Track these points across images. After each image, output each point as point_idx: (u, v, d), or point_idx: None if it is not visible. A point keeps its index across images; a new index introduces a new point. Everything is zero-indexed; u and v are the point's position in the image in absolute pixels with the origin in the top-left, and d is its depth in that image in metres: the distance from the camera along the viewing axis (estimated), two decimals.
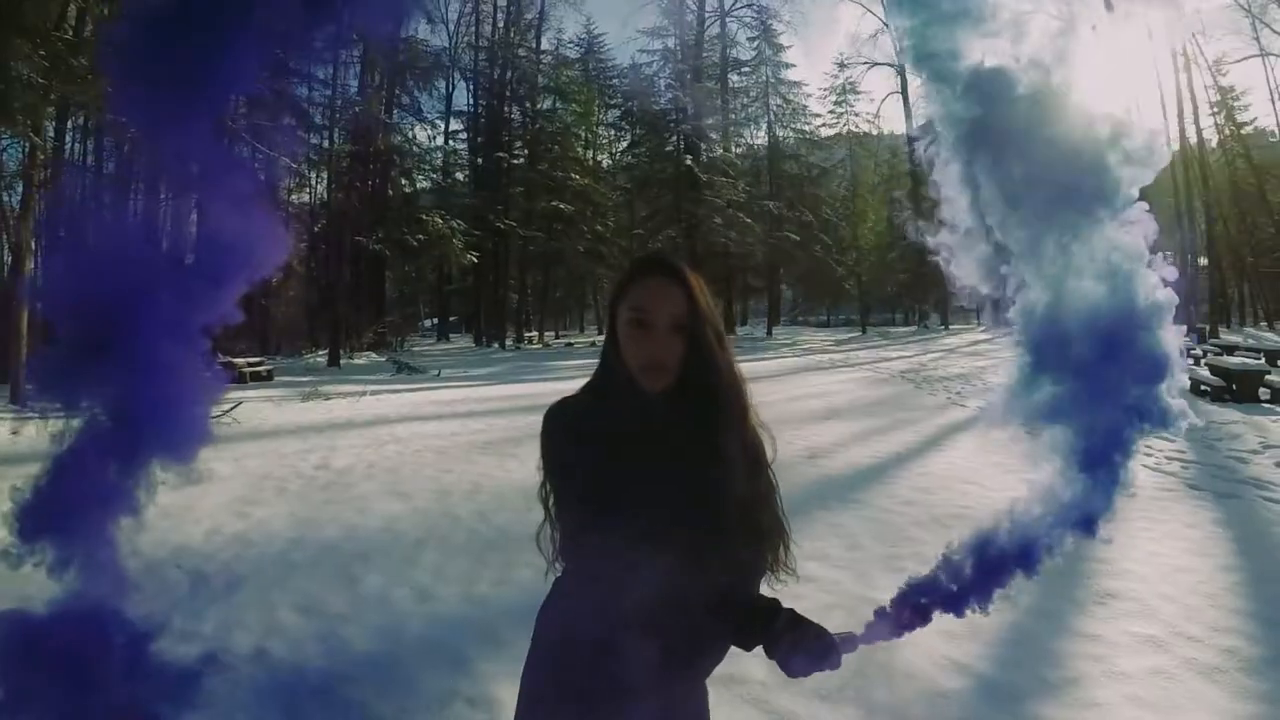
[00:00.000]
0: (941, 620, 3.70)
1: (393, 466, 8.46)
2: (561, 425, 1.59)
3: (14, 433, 10.41)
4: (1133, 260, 1.54)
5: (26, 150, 17.08)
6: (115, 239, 1.32)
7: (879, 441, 9.57)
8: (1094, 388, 1.55)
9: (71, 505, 1.32)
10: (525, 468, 8.21)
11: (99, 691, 1.30)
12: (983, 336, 35.06)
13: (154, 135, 1.40)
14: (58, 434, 1.36)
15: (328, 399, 14.99)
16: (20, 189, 18.82)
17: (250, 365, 20.88)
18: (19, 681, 1.28)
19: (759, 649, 1.51)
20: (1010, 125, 1.53)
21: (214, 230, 1.38)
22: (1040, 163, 1.52)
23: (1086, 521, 1.67)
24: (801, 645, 1.46)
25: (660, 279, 1.54)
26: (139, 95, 1.33)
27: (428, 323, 49.78)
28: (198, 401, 1.44)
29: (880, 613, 1.73)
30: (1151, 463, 7.86)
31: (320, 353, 30.03)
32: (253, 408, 13.51)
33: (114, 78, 1.38)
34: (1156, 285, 1.56)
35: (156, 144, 1.41)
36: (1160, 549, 5.20)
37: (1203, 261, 41.27)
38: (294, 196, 38.01)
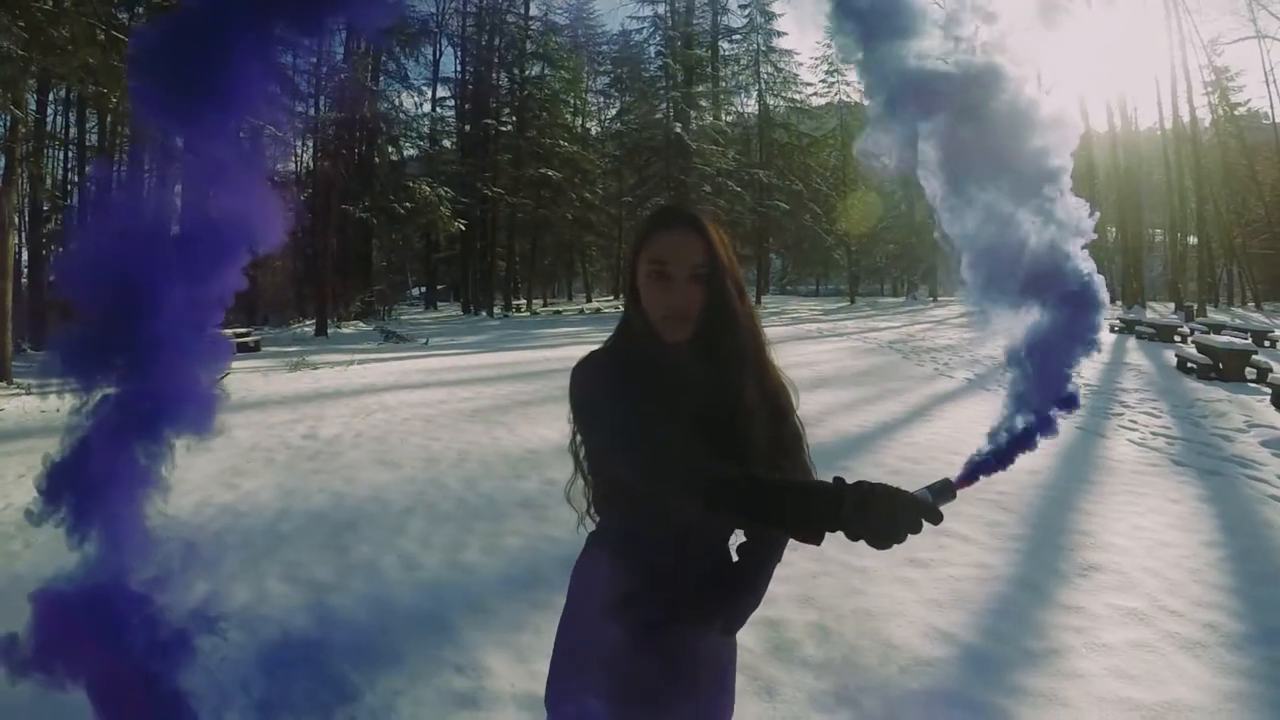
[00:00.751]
0: (927, 590, 3.73)
1: (380, 435, 8.45)
2: (592, 378, 1.56)
3: None
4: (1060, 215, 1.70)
5: (7, 124, 16.88)
6: (132, 216, 1.37)
7: (866, 411, 9.60)
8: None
9: (95, 474, 1.36)
10: (513, 435, 8.23)
11: (126, 655, 1.36)
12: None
13: (172, 130, 1.46)
14: (78, 406, 1.37)
15: (315, 369, 14.94)
16: (2, 163, 18.58)
17: (237, 335, 20.75)
18: (59, 649, 1.34)
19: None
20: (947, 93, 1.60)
21: (221, 207, 1.42)
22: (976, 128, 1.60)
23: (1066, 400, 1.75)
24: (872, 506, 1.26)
25: (679, 230, 1.53)
26: (160, 98, 1.37)
27: (415, 291, 49.56)
28: (209, 372, 1.47)
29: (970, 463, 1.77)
30: (1136, 437, 7.92)
31: (307, 322, 29.90)
32: (240, 378, 13.44)
33: (136, 83, 1.40)
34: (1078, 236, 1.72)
35: (174, 136, 1.46)
36: (1144, 523, 5.24)
37: (1192, 240, 41.46)
38: (279, 165, 37.74)
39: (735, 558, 1.68)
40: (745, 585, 1.65)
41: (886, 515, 1.23)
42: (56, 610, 1.34)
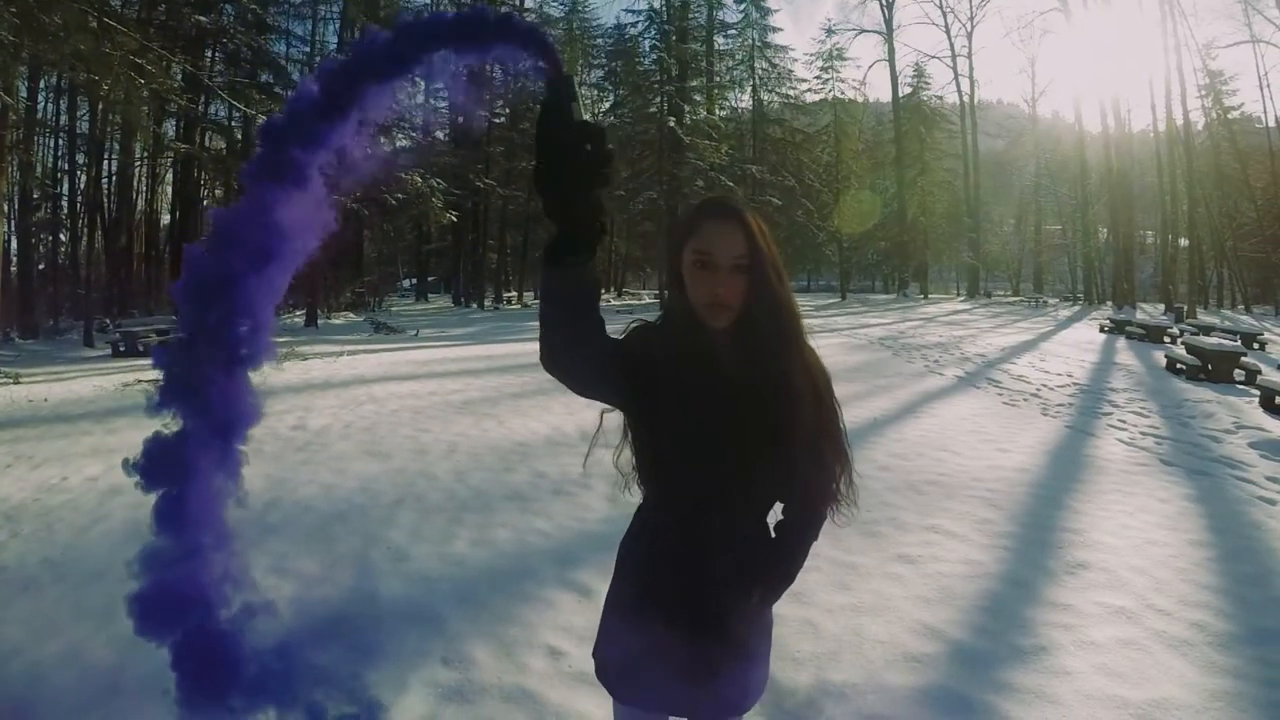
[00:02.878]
0: (916, 586, 3.72)
1: (369, 426, 8.42)
2: (643, 350, 1.67)
3: None
4: None
5: None
6: (236, 226, 1.50)
7: (856, 407, 9.60)
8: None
9: (187, 462, 1.51)
10: (503, 428, 8.21)
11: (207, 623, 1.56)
12: (961, 306, 35.22)
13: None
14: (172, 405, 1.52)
15: (305, 359, 14.87)
16: None
17: None
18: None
19: None
20: None
21: (290, 219, 1.56)
22: None
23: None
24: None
25: (722, 221, 1.61)
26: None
27: (406, 283, 49.42)
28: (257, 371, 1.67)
29: None
30: (1125, 437, 7.95)
31: (297, 313, 29.78)
32: None
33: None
34: None
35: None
36: (1132, 522, 5.26)
37: (1184, 243, 41.59)
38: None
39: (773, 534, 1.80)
40: (780, 558, 1.76)
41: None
42: (161, 582, 1.53)
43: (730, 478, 1.64)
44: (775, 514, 1.81)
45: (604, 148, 1.33)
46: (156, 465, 1.50)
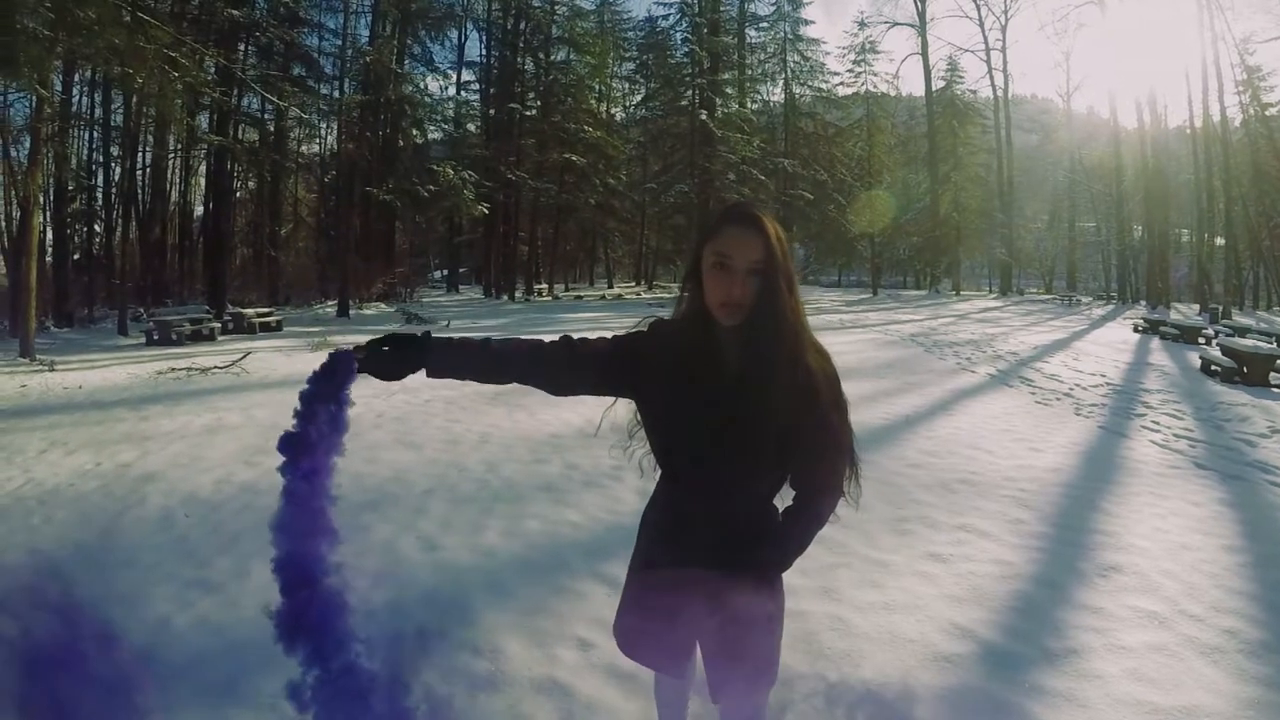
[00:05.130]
0: (947, 585, 3.73)
1: (401, 416, 8.50)
2: (652, 333, 1.97)
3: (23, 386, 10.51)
4: None
5: (33, 104, 17.04)
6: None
7: (887, 404, 9.56)
8: None
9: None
10: (534, 419, 8.26)
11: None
12: (994, 303, 34.91)
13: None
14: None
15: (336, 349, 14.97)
16: (27, 143, 18.77)
17: (260, 315, 20.95)
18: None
19: None
20: None
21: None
22: None
23: None
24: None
25: (744, 228, 1.75)
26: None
27: (437, 274, 49.68)
28: None
29: None
30: (1159, 439, 7.85)
31: (329, 303, 30.04)
32: (262, 357, 13.57)
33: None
34: None
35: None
36: (1164, 525, 5.20)
37: (1219, 242, 40.92)
38: (304, 147, 37.89)
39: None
40: (775, 540, 1.90)
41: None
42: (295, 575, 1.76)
43: (731, 465, 1.82)
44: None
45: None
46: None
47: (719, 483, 1.85)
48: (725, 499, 1.87)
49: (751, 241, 1.74)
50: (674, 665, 2.09)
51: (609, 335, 1.98)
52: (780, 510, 1.94)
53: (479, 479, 6.16)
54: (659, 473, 2.02)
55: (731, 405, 1.78)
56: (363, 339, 1.88)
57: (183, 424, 8.15)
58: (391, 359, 1.84)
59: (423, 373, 1.89)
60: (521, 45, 42.13)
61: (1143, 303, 38.75)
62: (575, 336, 1.95)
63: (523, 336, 1.98)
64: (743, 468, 1.83)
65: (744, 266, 1.73)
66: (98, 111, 28.59)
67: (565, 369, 1.90)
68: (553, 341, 1.93)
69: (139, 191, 30.32)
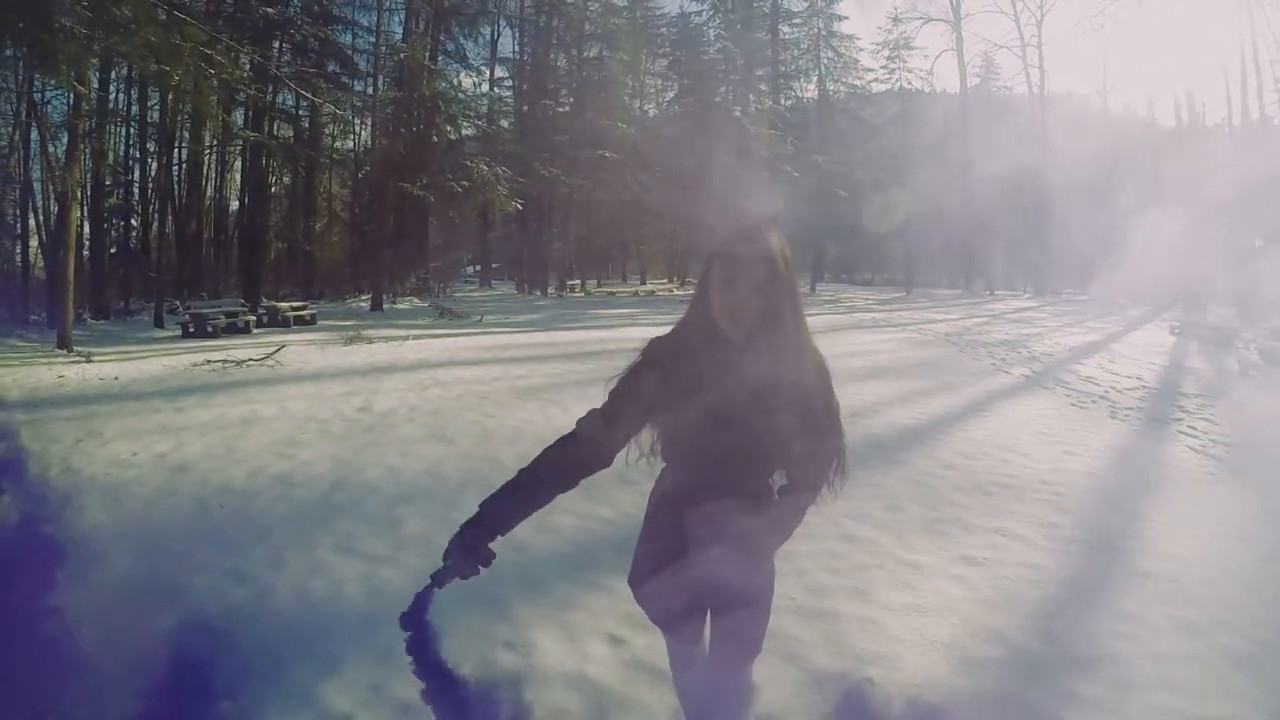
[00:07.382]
0: (980, 588, 3.72)
1: (435, 410, 8.56)
2: (653, 361, 2.05)
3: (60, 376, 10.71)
4: None
5: (70, 101, 17.35)
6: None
7: (921, 403, 9.50)
8: None
9: None
10: (567, 415, 8.26)
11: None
12: (1029, 303, 34.58)
13: None
14: None
15: (370, 342, 15.12)
16: (65, 139, 19.12)
17: (294, 309, 21.18)
18: None
19: None
20: None
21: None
22: None
23: None
24: None
25: (749, 248, 1.90)
26: None
27: (470, 269, 49.87)
28: None
29: None
30: (1196, 444, 7.75)
31: (363, 297, 30.23)
32: (296, 351, 13.71)
33: None
34: None
35: None
36: (1200, 532, 5.13)
37: (1258, 243, 40.19)
38: (338, 143, 38.15)
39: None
40: (767, 521, 2.05)
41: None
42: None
43: (730, 460, 2.01)
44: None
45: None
46: None
47: (716, 475, 2.03)
48: (722, 488, 2.04)
49: (757, 263, 1.89)
50: (685, 622, 2.25)
51: (615, 384, 2.12)
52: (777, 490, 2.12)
53: (512, 474, 6.18)
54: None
55: (732, 412, 1.93)
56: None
57: (218, 415, 8.25)
58: (461, 560, 2.01)
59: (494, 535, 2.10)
60: (554, 42, 42.19)
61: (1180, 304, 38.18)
62: (596, 413, 2.09)
63: (549, 447, 2.21)
64: (739, 467, 2.03)
65: (749, 283, 1.88)
66: (134, 108, 28.85)
67: (607, 448, 2.08)
68: (583, 434, 2.11)
69: (175, 186, 30.63)
